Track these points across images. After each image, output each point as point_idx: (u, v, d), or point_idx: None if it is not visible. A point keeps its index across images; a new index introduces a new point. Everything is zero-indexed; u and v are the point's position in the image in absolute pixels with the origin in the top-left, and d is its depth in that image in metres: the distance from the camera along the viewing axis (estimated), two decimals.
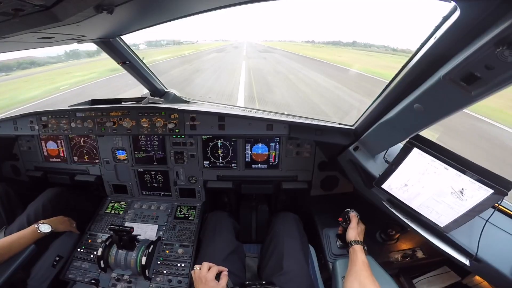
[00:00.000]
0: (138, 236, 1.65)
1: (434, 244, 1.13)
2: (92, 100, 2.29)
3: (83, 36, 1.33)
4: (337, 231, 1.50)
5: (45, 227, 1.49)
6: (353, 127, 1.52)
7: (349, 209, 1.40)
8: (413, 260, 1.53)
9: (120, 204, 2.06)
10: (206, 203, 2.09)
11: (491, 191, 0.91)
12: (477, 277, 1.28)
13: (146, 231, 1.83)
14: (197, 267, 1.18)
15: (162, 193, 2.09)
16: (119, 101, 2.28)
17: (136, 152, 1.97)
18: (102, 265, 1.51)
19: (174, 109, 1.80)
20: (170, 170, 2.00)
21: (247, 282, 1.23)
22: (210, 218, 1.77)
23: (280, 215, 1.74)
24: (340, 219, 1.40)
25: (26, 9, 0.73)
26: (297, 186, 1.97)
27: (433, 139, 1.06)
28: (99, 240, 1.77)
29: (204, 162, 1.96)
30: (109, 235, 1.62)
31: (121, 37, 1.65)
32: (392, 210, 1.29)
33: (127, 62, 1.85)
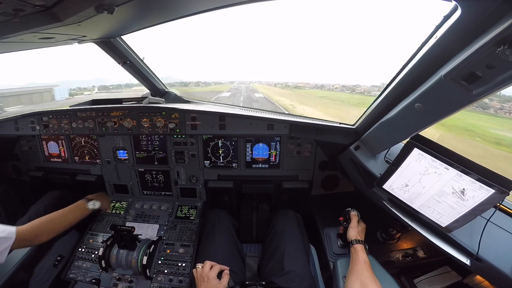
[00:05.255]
0: (139, 236, 1.66)
1: (435, 243, 1.12)
2: (93, 100, 2.30)
3: (84, 36, 1.34)
4: (338, 231, 1.51)
5: (95, 204, 1.48)
6: (354, 127, 1.51)
7: (349, 208, 1.40)
8: (414, 259, 1.52)
9: (121, 204, 2.06)
10: (207, 203, 2.09)
11: (492, 191, 0.90)
12: (478, 277, 1.28)
13: (147, 230, 1.83)
14: (199, 265, 1.19)
15: (163, 192, 2.09)
16: (119, 101, 2.29)
17: (137, 152, 1.98)
18: (103, 265, 1.52)
19: (175, 109, 1.81)
20: (171, 170, 2.00)
21: (247, 282, 1.23)
22: (208, 216, 1.77)
23: (280, 212, 1.74)
24: (341, 218, 1.40)
25: (26, 9, 0.74)
26: (298, 185, 1.97)
27: (433, 139, 1.05)
28: (100, 240, 1.78)
29: (205, 161, 1.97)
30: (110, 235, 1.62)
31: (122, 37, 1.65)
32: (393, 209, 1.29)
33: (128, 62, 1.86)
